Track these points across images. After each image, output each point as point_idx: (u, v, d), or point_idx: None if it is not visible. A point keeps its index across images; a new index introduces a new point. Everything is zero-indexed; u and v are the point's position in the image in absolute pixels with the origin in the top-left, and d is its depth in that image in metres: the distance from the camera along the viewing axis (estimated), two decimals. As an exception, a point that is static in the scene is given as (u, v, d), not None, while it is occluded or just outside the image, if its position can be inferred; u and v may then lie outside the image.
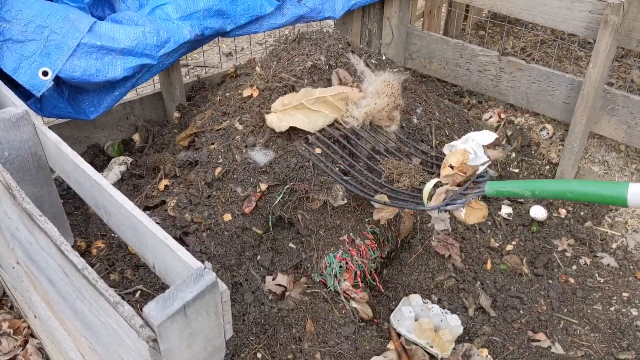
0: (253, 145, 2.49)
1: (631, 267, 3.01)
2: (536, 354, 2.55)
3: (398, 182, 2.39)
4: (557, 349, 2.59)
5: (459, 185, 2.22)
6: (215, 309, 1.38)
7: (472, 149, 2.32)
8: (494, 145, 2.39)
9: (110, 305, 1.33)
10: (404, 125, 3.01)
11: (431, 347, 2.44)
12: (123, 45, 2.40)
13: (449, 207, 2.20)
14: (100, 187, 1.69)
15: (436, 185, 2.23)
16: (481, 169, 2.26)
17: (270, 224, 2.51)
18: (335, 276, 2.50)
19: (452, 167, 2.22)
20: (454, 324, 2.53)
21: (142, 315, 1.28)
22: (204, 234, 2.37)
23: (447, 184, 2.22)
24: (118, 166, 2.93)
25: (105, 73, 2.40)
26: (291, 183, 2.44)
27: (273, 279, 2.45)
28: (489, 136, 2.40)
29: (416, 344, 2.47)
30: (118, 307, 1.31)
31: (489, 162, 2.32)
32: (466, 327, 2.60)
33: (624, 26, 2.84)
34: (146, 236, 1.56)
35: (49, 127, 2.89)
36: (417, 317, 2.54)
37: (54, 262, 1.57)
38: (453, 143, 2.44)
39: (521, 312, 2.71)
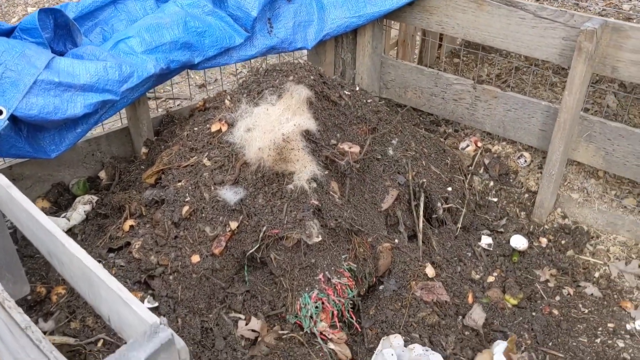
0: (222, 182, 2.39)
1: (615, 296, 2.94)
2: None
3: None
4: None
5: None
6: (172, 369, 1.26)
7: None
8: None
9: (55, 369, 1.21)
10: (379, 157, 2.93)
11: None
12: (83, 81, 2.30)
13: None
14: (53, 236, 1.57)
15: None
16: None
17: (242, 264, 2.40)
18: (311, 317, 2.38)
19: None
20: None
21: (90, 380, 1.17)
22: (171, 277, 2.25)
23: None
24: (82, 205, 2.81)
25: (64, 110, 2.29)
26: (264, 228, 2.34)
27: (246, 324, 2.33)
28: None
29: None
30: (63, 371, 1.19)
31: None
32: (449, 365, 2.50)
33: (598, 53, 2.82)
34: (100, 288, 1.45)
35: (11, 165, 2.78)
36: (399, 359, 2.43)
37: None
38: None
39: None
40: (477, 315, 2.66)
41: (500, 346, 2.50)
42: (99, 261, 2.33)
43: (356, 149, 2.75)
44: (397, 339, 2.47)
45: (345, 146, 2.74)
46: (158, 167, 2.56)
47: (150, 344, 1.21)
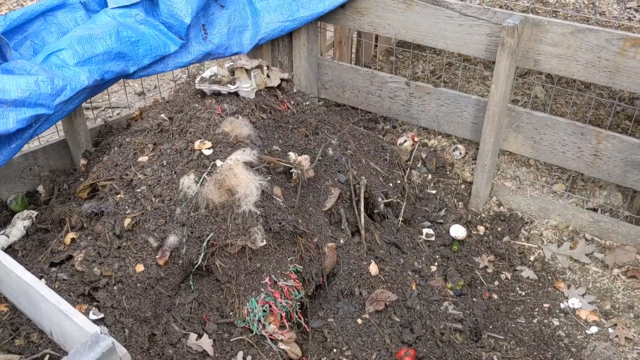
0: (160, 195, 2.40)
1: (549, 277, 3.10)
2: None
3: None
4: (486, 367, 2.61)
5: None
6: (115, 376, 1.29)
7: None
8: None
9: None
10: (320, 158, 2.99)
11: None
12: (14, 97, 2.27)
13: None
14: (-13, 253, 1.57)
15: None
16: None
17: (187, 272, 2.42)
18: (259, 321, 2.42)
19: None
20: None
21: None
22: (115, 288, 2.25)
23: None
24: (22, 221, 2.76)
25: (-4, 127, 2.26)
26: (209, 236, 2.36)
27: (198, 337, 2.34)
28: None
29: None
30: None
31: None
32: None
33: (520, 47, 2.96)
34: (39, 302, 1.46)
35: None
36: None
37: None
38: None
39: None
40: None
41: None
42: (41, 276, 2.31)
43: (306, 161, 2.76)
44: None
45: (296, 157, 2.75)
46: (90, 181, 2.55)
47: (91, 353, 1.23)
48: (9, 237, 2.73)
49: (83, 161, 3.02)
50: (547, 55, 2.93)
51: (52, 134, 3.69)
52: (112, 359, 1.26)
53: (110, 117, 4.31)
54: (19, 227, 2.75)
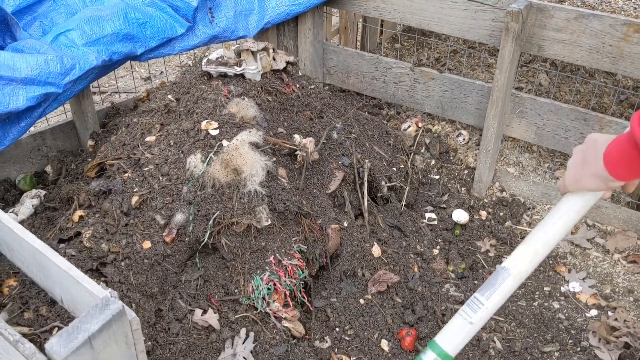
0: (168, 174, 2.44)
1: (550, 262, 3.13)
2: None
3: None
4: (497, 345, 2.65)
5: None
6: (125, 338, 1.33)
7: None
8: None
9: (10, 344, 1.26)
10: (324, 141, 3.02)
11: None
12: (24, 75, 2.31)
13: None
14: (1, 222, 1.61)
15: None
16: None
17: (194, 250, 2.46)
18: (264, 298, 2.46)
19: None
20: None
21: (45, 351, 1.22)
22: (123, 264, 2.29)
23: None
24: (30, 200, 2.81)
25: (6, 104, 2.29)
26: (215, 215, 2.39)
27: (202, 314, 2.38)
28: None
29: None
30: (18, 345, 1.25)
31: None
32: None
33: (524, 32, 2.98)
34: (50, 269, 1.49)
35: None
36: None
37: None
38: None
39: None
40: None
41: None
42: (50, 252, 2.35)
43: (311, 144, 2.80)
44: None
45: (301, 140, 2.79)
46: (97, 160, 2.59)
47: (102, 315, 1.27)
48: (17, 215, 2.78)
49: (90, 142, 3.06)
50: (551, 40, 2.95)
51: (60, 115, 3.73)
52: (122, 321, 1.30)
53: (111, 101, 4.35)
54: (27, 205, 2.79)
